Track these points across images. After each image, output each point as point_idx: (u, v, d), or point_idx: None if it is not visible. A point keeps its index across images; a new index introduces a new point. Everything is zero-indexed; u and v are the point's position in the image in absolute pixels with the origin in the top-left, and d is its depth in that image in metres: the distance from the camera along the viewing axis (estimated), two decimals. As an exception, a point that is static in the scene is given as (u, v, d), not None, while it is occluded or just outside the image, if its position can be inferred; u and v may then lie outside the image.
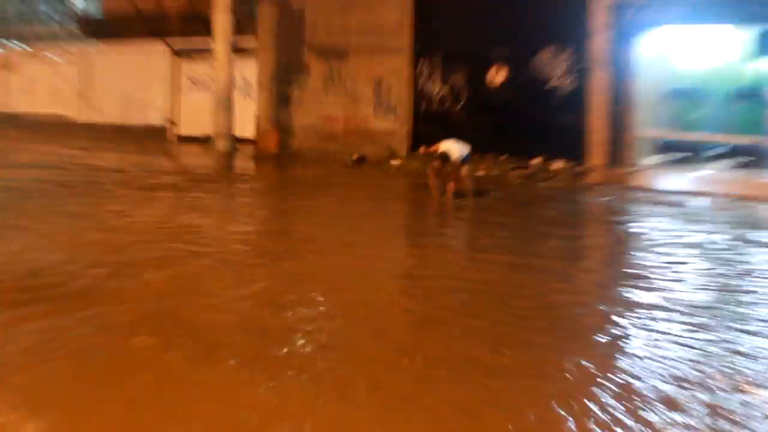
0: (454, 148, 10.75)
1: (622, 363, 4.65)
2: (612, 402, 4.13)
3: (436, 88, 16.20)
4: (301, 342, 4.78)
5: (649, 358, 4.71)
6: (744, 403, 4.12)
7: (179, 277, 6.19)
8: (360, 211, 10.27)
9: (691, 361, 4.69)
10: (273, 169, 15.31)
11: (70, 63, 24.17)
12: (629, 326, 5.31)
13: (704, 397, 4.18)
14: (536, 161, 14.46)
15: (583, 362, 4.61)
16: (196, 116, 20.16)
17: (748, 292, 6.28)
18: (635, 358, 4.73)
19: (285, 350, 4.65)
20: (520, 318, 5.42)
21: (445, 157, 10.66)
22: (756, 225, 9.77)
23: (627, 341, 5.02)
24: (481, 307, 5.69)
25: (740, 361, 4.69)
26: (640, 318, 5.49)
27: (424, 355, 4.63)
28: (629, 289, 6.27)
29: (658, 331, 5.22)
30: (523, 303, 5.80)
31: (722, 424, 3.90)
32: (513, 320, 5.36)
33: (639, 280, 6.58)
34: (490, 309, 5.63)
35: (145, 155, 16.72)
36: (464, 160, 10.80)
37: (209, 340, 4.74)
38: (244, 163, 15.98)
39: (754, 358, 4.75)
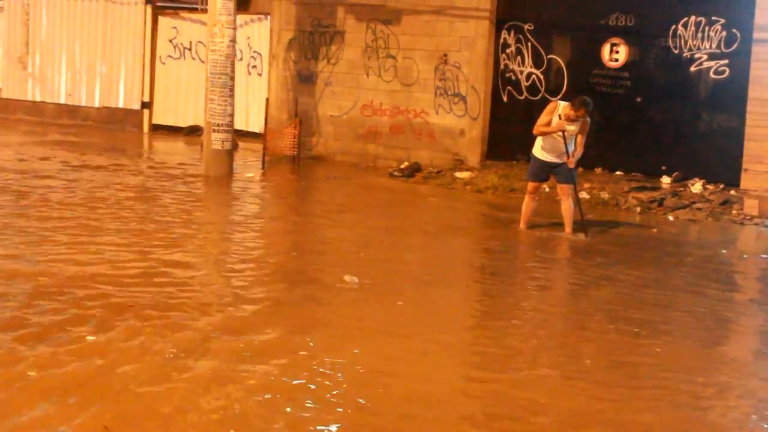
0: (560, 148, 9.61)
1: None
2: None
3: (525, 70, 14.37)
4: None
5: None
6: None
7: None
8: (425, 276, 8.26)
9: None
10: (288, 182, 13.67)
11: (3, 14, 19.80)
12: None
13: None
14: (667, 180, 12.95)
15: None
16: (178, 97, 17.86)
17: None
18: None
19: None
20: None
21: (552, 166, 9.65)
22: None
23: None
24: None
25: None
26: None
27: None
28: None
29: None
30: None
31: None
32: None
33: None
34: None
35: (100, 152, 14.80)
36: (572, 176, 9.86)
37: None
38: (246, 170, 13.93)
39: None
